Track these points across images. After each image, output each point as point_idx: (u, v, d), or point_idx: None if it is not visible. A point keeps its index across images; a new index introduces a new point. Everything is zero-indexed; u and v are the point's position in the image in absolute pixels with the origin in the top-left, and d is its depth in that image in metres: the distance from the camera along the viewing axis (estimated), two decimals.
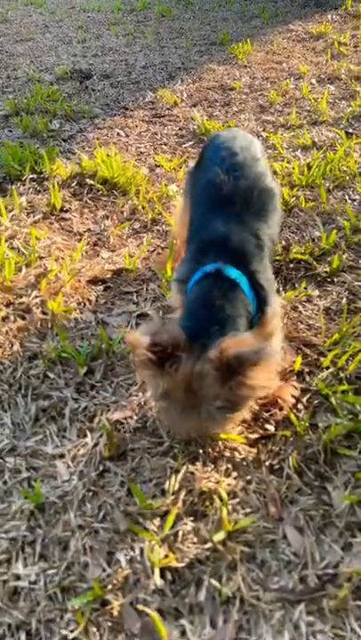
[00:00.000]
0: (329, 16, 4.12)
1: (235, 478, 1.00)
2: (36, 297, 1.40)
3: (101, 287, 1.45)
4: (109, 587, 0.86)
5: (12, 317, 1.35)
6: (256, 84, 2.89)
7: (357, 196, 1.83)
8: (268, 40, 3.65)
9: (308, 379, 1.18)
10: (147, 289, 1.44)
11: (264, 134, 2.29)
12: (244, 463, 1.02)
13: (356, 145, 2.15)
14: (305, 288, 1.42)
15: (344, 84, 2.81)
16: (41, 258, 1.54)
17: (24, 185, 1.92)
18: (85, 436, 1.08)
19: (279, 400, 1.12)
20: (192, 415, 0.86)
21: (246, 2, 4.89)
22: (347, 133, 2.26)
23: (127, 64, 3.33)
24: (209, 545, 0.90)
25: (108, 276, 1.49)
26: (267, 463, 1.02)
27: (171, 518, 0.92)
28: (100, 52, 3.61)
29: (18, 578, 0.88)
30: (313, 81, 2.88)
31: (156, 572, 0.86)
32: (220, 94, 2.77)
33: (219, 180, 1.09)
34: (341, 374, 1.18)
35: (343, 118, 2.41)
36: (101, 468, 1.02)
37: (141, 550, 0.90)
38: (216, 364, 0.81)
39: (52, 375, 1.20)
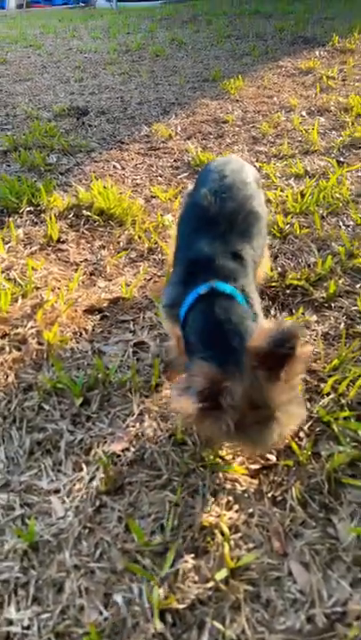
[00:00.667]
0: (317, 52, 4.28)
1: (236, 511, 0.96)
2: (32, 327, 1.38)
3: (98, 316, 1.44)
4: (107, 631, 0.81)
5: (7, 348, 1.33)
6: (248, 116, 2.96)
7: (351, 222, 1.84)
8: (258, 76, 3.77)
9: (308, 406, 1.16)
10: (143, 317, 1.43)
11: (257, 164, 2.33)
12: (246, 495, 0.99)
13: (347, 173, 2.19)
14: (302, 314, 1.41)
15: (334, 116, 2.88)
16: (37, 288, 1.54)
17: (21, 217, 1.94)
18: (81, 469, 1.04)
19: None
20: (271, 425, 0.81)
21: (237, 40, 5.08)
22: (338, 162, 2.30)
23: (123, 101, 3.42)
24: (211, 584, 0.85)
25: (105, 305, 1.48)
26: (269, 495, 0.99)
27: (170, 556, 0.88)
28: (97, 90, 3.72)
29: (10, 623, 0.83)
30: (303, 113, 2.95)
31: (156, 614, 0.81)
32: (213, 127, 2.84)
33: (206, 201, 1.10)
34: (343, 400, 1.16)
35: (334, 147, 2.46)
36: (98, 503, 0.98)
37: (140, 591, 0.85)
38: (260, 365, 0.78)
39: (47, 407, 1.17)
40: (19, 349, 1.33)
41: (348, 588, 0.85)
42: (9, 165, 2.46)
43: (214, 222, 1.07)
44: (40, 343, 1.34)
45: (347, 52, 4.20)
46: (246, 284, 1.00)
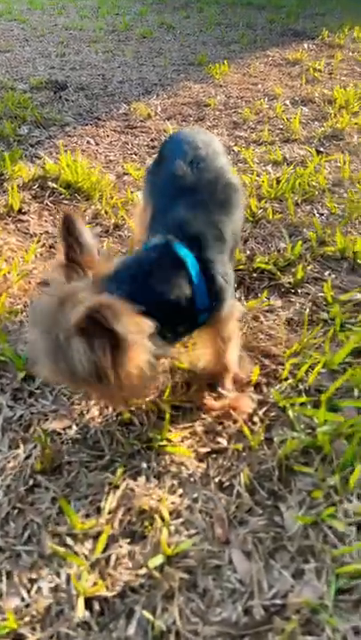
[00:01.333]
0: (305, 45, 4.23)
1: (180, 496, 0.91)
2: None
3: None
4: (27, 619, 0.74)
5: None
6: (231, 102, 2.89)
7: (326, 210, 1.80)
8: (245, 63, 3.70)
9: (265, 390, 1.11)
10: None
11: (236, 148, 2.27)
12: (192, 479, 0.93)
13: (326, 162, 2.15)
14: (267, 298, 1.36)
15: (317, 107, 2.83)
16: None
17: None
18: (18, 447, 0.97)
19: (233, 412, 1.04)
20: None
21: (227, 28, 5.00)
22: (318, 151, 2.26)
23: (104, 78, 3.32)
24: (144, 571, 0.80)
25: None
26: (216, 480, 0.93)
27: (103, 540, 0.82)
28: (79, 66, 3.60)
29: None
30: (287, 102, 2.90)
31: (80, 602, 0.75)
32: (194, 110, 2.76)
33: (182, 171, 1.03)
34: (300, 386, 1.11)
35: (315, 137, 2.41)
36: (32, 482, 0.91)
37: (68, 577, 0.79)
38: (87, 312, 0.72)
39: None
40: None
41: (290, 579, 0.80)
42: None
43: (192, 191, 1.01)
44: None
45: (335, 47, 4.16)
46: (217, 259, 0.94)
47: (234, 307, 1.01)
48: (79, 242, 0.82)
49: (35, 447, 0.97)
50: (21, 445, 0.97)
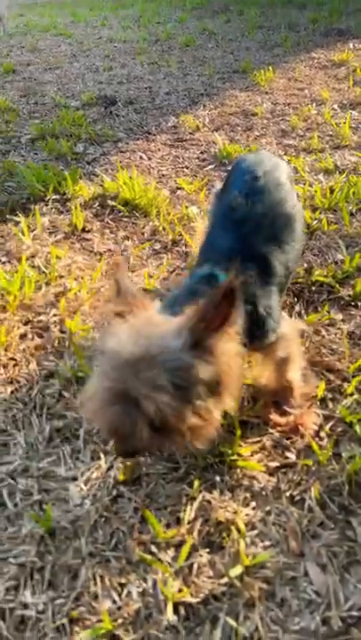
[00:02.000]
0: (351, 44, 4.17)
1: (253, 509, 0.95)
2: (55, 315, 1.39)
3: None
4: (120, 620, 0.81)
5: (29, 335, 1.34)
6: (278, 109, 2.91)
7: None
8: (289, 67, 3.70)
9: (331, 405, 1.14)
10: None
11: (286, 158, 2.29)
12: (264, 493, 0.98)
13: None
14: (328, 311, 1.39)
15: None
16: (61, 277, 1.54)
17: (47, 205, 1.95)
18: (99, 458, 1.05)
19: (300, 427, 1.08)
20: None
21: (269, 31, 4.99)
22: None
23: (151, 91, 3.40)
24: (225, 580, 0.85)
25: None
26: (287, 494, 0.98)
27: (186, 549, 0.87)
28: (126, 79, 3.71)
29: (25, 606, 0.84)
30: (335, 106, 2.88)
31: (170, 607, 0.81)
32: (241, 119, 2.80)
33: (235, 203, 1.06)
34: None
35: None
36: (115, 492, 0.98)
37: (154, 582, 0.85)
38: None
39: (67, 394, 1.18)
40: (41, 337, 1.34)
41: None
42: (36, 153, 2.47)
43: (241, 224, 1.04)
44: (62, 331, 1.35)
45: None
46: (261, 294, 0.96)
47: (286, 330, 1.03)
48: (128, 292, 0.83)
49: (115, 459, 1.04)
50: (102, 457, 1.05)
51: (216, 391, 0.76)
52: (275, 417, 1.11)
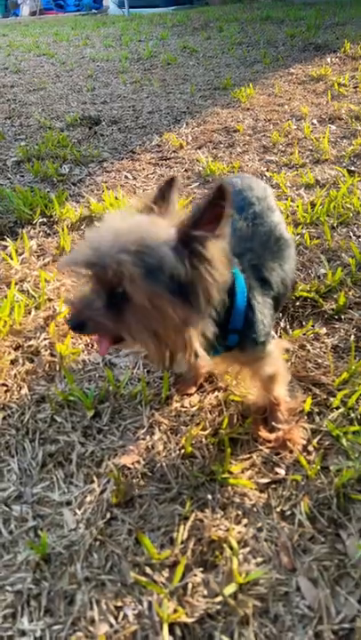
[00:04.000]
0: (328, 59, 4.28)
1: (245, 525, 0.97)
2: (45, 339, 1.41)
3: None
4: None
5: (20, 360, 1.36)
6: (259, 125, 2.97)
7: None
8: (269, 83, 3.78)
9: (317, 419, 1.16)
10: None
11: (268, 174, 2.34)
12: (255, 509, 1.00)
13: (358, 182, 2.19)
14: (312, 326, 1.42)
15: (345, 124, 2.88)
16: (50, 300, 1.56)
17: (34, 228, 1.97)
18: (92, 481, 1.06)
19: (288, 443, 1.10)
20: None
21: (248, 47, 5.10)
22: (349, 171, 2.31)
23: (134, 110, 3.46)
24: (220, 598, 0.87)
25: None
26: (278, 509, 1.00)
27: (180, 569, 0.89)
28: (109, 99, 3.76)
29: (23, 634, 0.85)
30: (314, 121, 2.96)
31: (165, 628, 0.83)
32: (224, 136, 2.86)
33: (237, 225, 1.07)
34: (352, 414, 1.16)
35: (345, 156, 2.46)
36: (109, 515, 1.00)
37: (150, 604, 0.87)
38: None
39: (59, 419, 1.20)
40: (32, 361, 1.36)
41: (356, 604, 0.85)
42: (22, 176, 2.50)
43: (245, 240, 1.04)
44: (53, 355, 1.37)
45: (358, 59, 4.19)
46: (258, 299, 0.97)
47: (271, 347, 1.03)
48: (169, 199, 0.85)
49: (108, 482, 1.05)
50: (95, 480, 1.06)
51: (193, 294, 0.76)
52: (263, 433, 1.13)
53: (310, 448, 1.11)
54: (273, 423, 1.14)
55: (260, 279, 1.01)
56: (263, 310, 1.00)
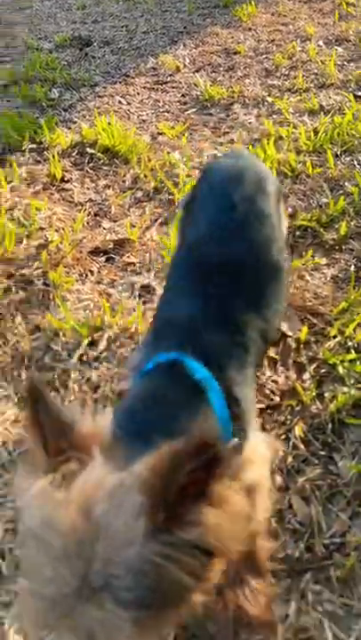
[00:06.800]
0: None
1: None
2: (37, 268, 1.37)
3: (103, 258, 1.42)
4: None
5: (13, 289, 1.33)
6: (261, 47, 2.77)
7: None
8: (273, 1, 3.49)
9: (315, 348, 1.15)
10: (150, 259, 1.41)
11: (270, 99, 2.21)
12: None
13: None
14: (312, 256, 1.38)
15: (353, 46, 2.69)
16: (42, 229, 1.51)
17: (24, 155, 1.88)
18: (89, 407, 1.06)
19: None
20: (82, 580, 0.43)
21: None
22: (355, 96, 2.17)
23: (128, 30, 3.21)
24: None
25: (110, 246, 1.45)
26: (272, 433, 1.01)
27: None
28: (101, 18, 3.49)
29: None
30: (320, 43, 2.76)
31: None
32: (223, 58, 2.67)
33: (203, 241, 0.81)
34: (349, 343, 1.15)
35: (352, 81, 2.31)
36: None
37: None
38: (149, 475, 0.46)
39: (55, 347, 1.18)
40: (25, 290, 1.32)
41: (347, 520, 0.88)
42: (9, 100, 2.35)
43: (210, 273, 0.78)
44: (46, 284, 1.33)
45: None
46: (238, 378, 0.71)
47: (262, 446, 0.75)
48: (57, 420, 0.49)
49: (105, 407, 1.06)
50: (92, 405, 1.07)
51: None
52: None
53: (306, 376, 1.11)
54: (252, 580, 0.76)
55: (234, 345, 0.74)
56: (248, 393, 0.73)
